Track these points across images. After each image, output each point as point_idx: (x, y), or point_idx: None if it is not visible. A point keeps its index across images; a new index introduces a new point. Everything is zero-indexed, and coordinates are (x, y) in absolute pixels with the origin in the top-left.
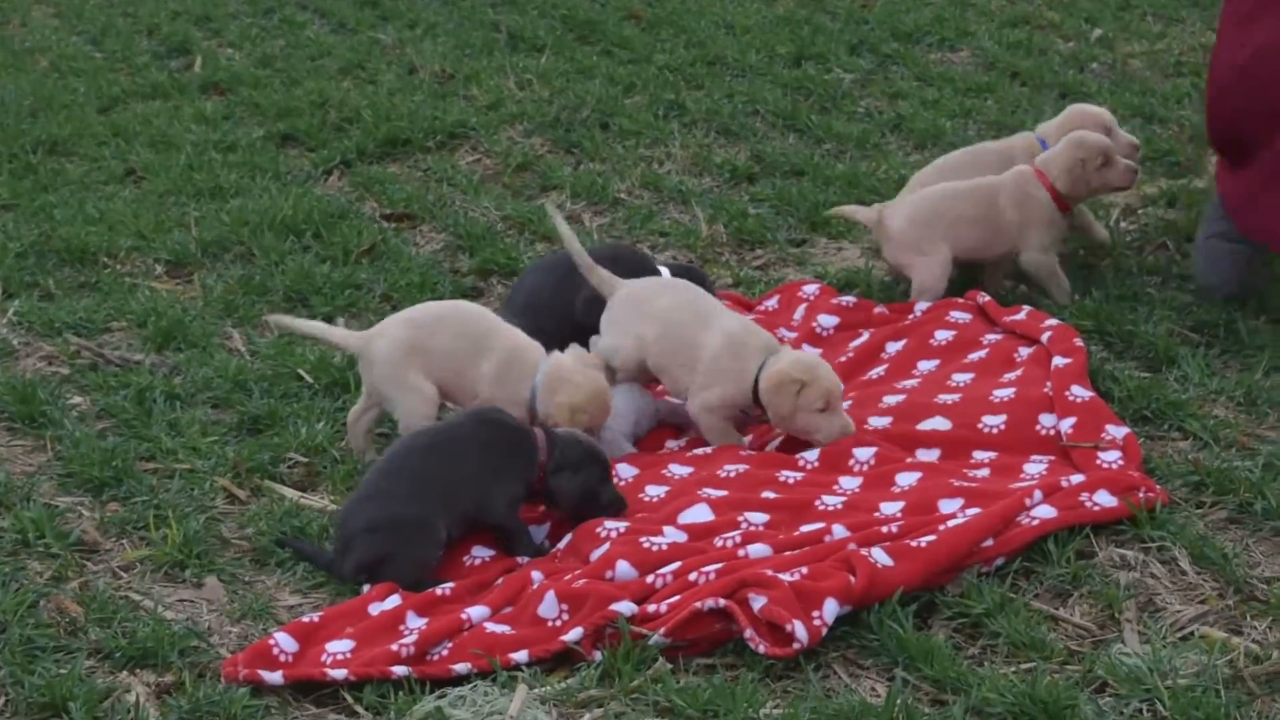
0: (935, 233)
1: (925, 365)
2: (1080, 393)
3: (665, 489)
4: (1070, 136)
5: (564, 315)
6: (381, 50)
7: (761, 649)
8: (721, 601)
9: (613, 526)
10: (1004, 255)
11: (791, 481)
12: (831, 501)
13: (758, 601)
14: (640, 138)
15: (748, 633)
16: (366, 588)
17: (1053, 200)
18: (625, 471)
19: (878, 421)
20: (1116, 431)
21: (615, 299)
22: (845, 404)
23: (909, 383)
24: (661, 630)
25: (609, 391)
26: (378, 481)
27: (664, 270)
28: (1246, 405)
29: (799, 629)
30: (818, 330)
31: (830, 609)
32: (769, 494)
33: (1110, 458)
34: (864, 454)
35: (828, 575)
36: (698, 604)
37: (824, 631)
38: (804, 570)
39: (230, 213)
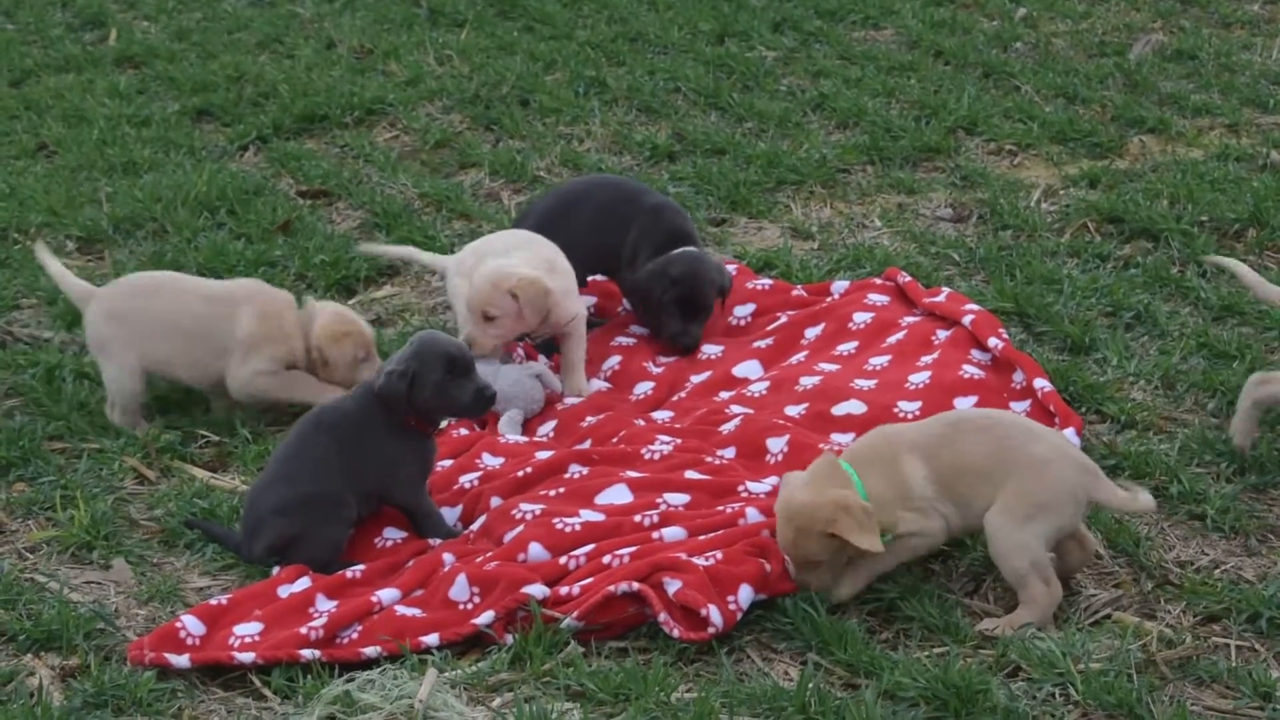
0: None
1: (844, 348)
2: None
3: (587, 468)
4: None
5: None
6: (299, 24)
7: (676, 633)
8: (635, 585)
9: (528, 509)
10: None
11: (717, 464)
12: (756, 489)
13: (672, 585)
14: (560, 115)
15: (662, 616)
16: (276, 570)
17: None
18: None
19: (794, 410)
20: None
21: None
22: (762, 386)
23: (828, 366)
24: (574, 614)
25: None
26: (280, 466)
27: None
28: (1164, 388)
29: (714, 613)
30: (733, 321)
31: (745, 594)
32: (693, 474)
33: None
34: (776, 445)
35: (743, 561)
36: (611, 587)
37: (739, 616)
38: (719, 555)
39: (143, 188)
